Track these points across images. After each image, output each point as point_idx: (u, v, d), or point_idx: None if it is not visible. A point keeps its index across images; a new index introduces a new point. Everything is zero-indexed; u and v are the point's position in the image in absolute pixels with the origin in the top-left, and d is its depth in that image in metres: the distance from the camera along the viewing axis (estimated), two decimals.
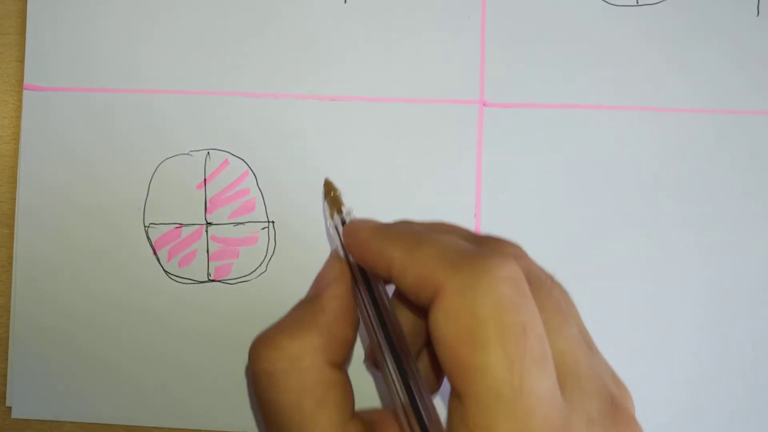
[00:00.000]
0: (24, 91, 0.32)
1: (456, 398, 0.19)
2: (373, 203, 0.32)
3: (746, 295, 0.32)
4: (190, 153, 0.32)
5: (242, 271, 0.32)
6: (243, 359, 0.31)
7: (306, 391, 0.22)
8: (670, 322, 0.32)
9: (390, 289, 0.25)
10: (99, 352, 0.32)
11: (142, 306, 0.32)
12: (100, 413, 0.32)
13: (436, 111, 0.32)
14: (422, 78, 0.32)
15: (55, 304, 0.32)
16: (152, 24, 0.33)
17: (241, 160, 0.32)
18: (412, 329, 0.24)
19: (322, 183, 0.29)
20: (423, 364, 0.25)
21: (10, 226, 0.32)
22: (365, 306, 0.24)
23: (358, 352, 0.30)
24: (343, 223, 0.26)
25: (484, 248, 0.21)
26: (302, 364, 0.22)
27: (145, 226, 0.32)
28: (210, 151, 0.32)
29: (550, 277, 0.22)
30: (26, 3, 0.33)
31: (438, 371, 0.25)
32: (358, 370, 0.30)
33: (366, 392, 0.30)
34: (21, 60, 0.33)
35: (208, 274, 0.32)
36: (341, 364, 0.23)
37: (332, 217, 0.27)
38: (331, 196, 0.28)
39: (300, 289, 0.26)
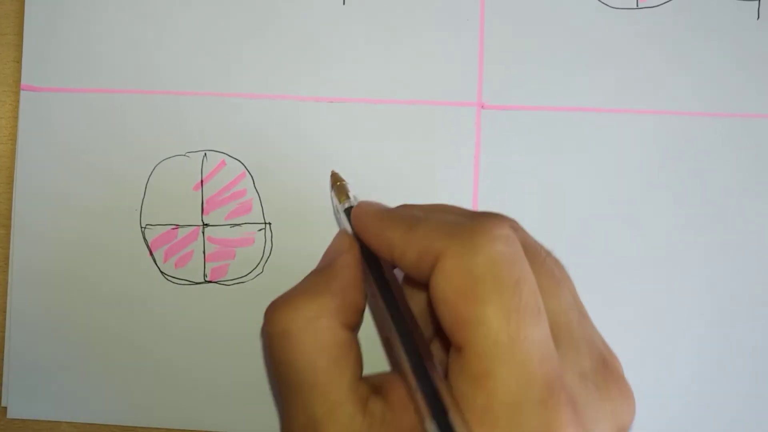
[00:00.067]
0: (21, 91, 0.32)
1: (455, 352, 0.20)
2: None
3: (748, 296, 0.31)
4: (187, 154, 0.32)
5: (239, 272, 0.32)
6: (239, 360, 0.31)
7: (322, 349, 0.22)
8: (670, 325, 0.32)
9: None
10: (95, 353, 0.32)
11: (139, 307, 0.32)
12: (96, 414, 0.32)
13: (434, 113, 0.32)
14: (420, 80, 0.32)
15: (52, 305, 0.32)
16: (150, 25, 0.33)
17: (238, 162, 0.32)
18: (420, 317, 0.25)
19: (329, 175, 0.30)
20: (435, 351, 0.26)
21: (7, 227, 0.32)
22: (373, 280, 0.25)
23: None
24: (350, 208, 0.27)
25: (479, 217, 0.22)
26: (319, 323, 0.23)
27: (141, 227, 0.32)
28: (207, 153, 0.32)
29: (545, 248, 0.24)
30: (24, 3, 0.33)
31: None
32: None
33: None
34: (18, 60, 0.33)
35: (205, 276, 0.32)
36: (353, 328, 0.24)
37: (340, 203, 0.28)
38: (337, 185, 0.29)
39: None
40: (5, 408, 0.32)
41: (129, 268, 0.32)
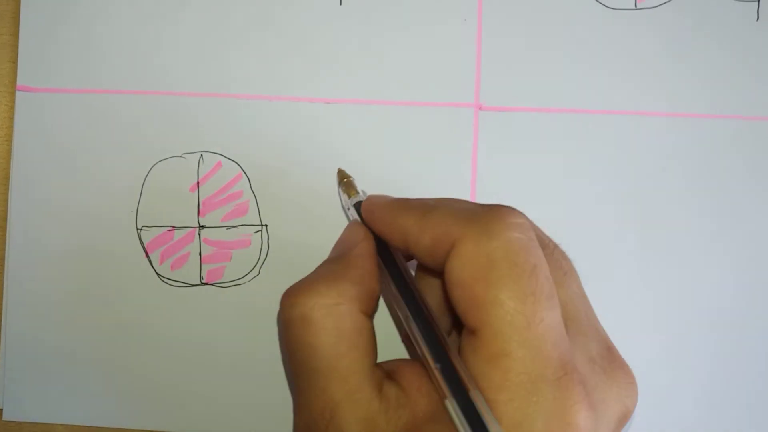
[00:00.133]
0: (17, 92, 0.32)
1: (470, 335, 0.21)
2: None
3: (754, 295, 0.31)
4: (184, 155, 0.32)
5: (235, 274, 0.32)
6: (236, 362, 0.31)
7: (342, 334, 0.23)
8: (670, 327, 0.31)
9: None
10: (91, 355, 0.31)
11: (135, 309, 0.32)
12: (91, 416, 0.31)
13: (431, 114, 0.32)
14: (418, 81, 0.32)
15: (47, 307, 0.32)
16: (146, 26, 0.32)
17: (234, 163, 0.32)
18: (436, 308, 0.25)
19: (336, 173, 0.30)
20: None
21: (3, 228, 0.32)
22: (387, 270, 0.25)
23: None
24: (359, 202, 0.27)
25: (493, 206, 0.23)
26: (339, 309, 0.23)
27: (137, 229, 0.32)
28: (203, 154, 0.32)
29: (552, 241, 0.24)
30: (20, 4, 0.32)
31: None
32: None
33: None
34: (14, 61, 0.33)
35: (201, 278, 0.32)
36: (370, 315, 0.24)
37: (350, 198, 0.28)
38: (345, 182, 0.29)
39: None
40: (1, 410, 0.32)
41: (125, 270, 0.32)
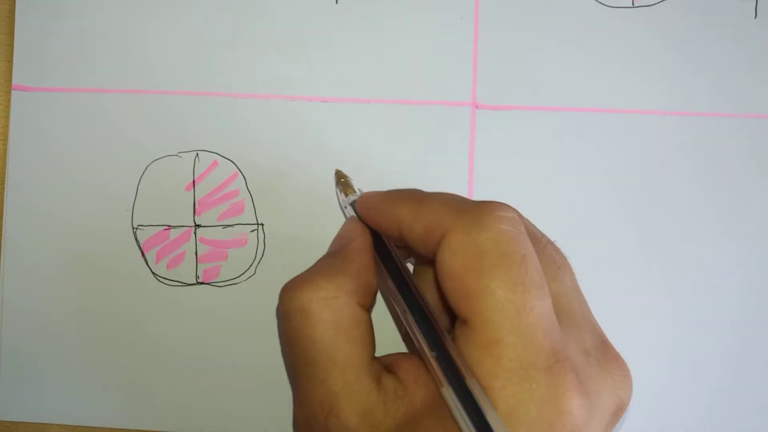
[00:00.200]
0: (12, 91, 0.32)
1: (462, 325, 0.21)
2: None
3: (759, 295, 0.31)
4: (179, 154, 0.32)
5: (231, 273, 0.32)
6: (232, 362, 0.31)
7: (340, 326, 0.23)
8: (670, 327, 0.31)
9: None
10: (86, 355, 0.31)
11: (130, 308, 0.31)
12: (86, 416, 0.31)
13: (427, 113, 0.32)
14: (414, 79, 0.32)
15: (43, 306, 0.31)
16: (142, 25, 0.32)
17: (230, 162, 0.32)
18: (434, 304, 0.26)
19: (333, 174, 0.30)
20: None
21: None
22: (383, 263, 0.25)
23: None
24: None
25: (485, 201, 0.23)
26: (337, 302, 0.23)
27: (133, 228, 0.32)
28: (199, 153, 0.32)
29: (545, 236, 0.25)
30: (15, 3, 0.32)
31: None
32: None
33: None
34: (10, 60, 0.33)
35: (197, 277, 0.32)
36: (368, 308, 0.25)
37: (347, 196, 0.29)
38: (342, 181, 0.29)
39: None
40: None
41: (121, 270, 0.32)
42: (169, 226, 0.32)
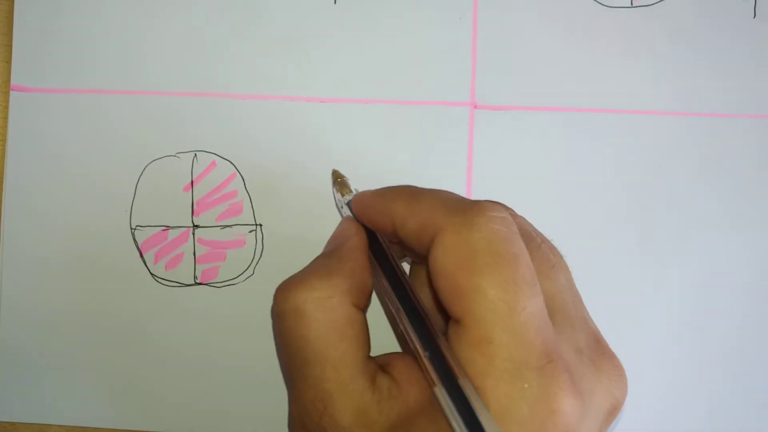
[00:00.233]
0: (11, 92, 0.32)
1: (455, 324, 0.21)
2: None
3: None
4: (177, 155, 0.32)
5: (229, 274, 0.32)
6: (230, 363, 0.31)
7: (334, 326, 0.23)
8: (671, 326, 0.31)
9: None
10: (85, 355, 0.31)
11: (129, 309, 0.31)
12: (86, 416, 0.31)
13: (426, 113, 0.32)
14: (413, 79, 0.32)
15: (41, 307, 0.31)
16: (140, 26, 0.32)
17: (228, 162, 0.32)
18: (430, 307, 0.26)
19: (330, 174, 0.30)
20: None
21: None
22: (378, 263, 0.26)
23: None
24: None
25: (478, 201, 0.23)
26: (331, 302, 0.23)
27: (131, 228, 0.32)
28: (197, 153, 0.32)
29: (541, 235, 0.25)
30: (13, 4, 0.32)
31: None
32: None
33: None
34: (8, 61, 0.33)
35: (195, 277, 0.32)
36: (362, 308, 0.25)
37: (343, 196, 0.29)
38: (339, 181, 0.29)
39: None
40: None
41: (119, 270, 0.32)
42: (167, 226, 0.32)
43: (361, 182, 0.31)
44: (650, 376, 0.31)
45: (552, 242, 0.25)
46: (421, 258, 0.25)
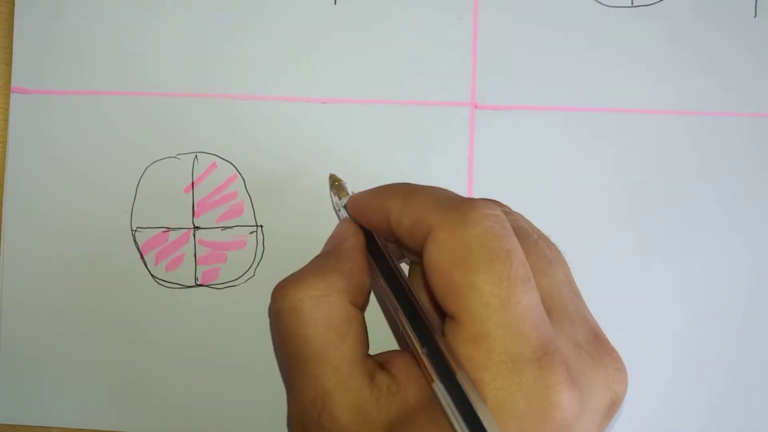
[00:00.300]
0: (11, 94, 0.32)
1: (450, 320, 0.21)
2: None
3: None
4: (178, 156, 0.32)
5: (230, 275, 0.32)
6: (231, 364, 0.31)
7: (332, 324, 0.23)
8: (671, 326, 0.31)
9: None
10: (86, 357, 0.31)
11: (129, 310, 0.31)
12: (86, 419, 0.31)
13: (427, 113, 0.32)
14: (413, 80, 0.32)
15: (42, 309, 0.31)
16: (140, 28, 0.32)
17: (229, 164, 0.32)
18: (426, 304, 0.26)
19: (328, 178, 0.30)
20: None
21: None
22: (375, 262, 0.26)
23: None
24: None
25: (472, 198, 0.23)
26: (329, 300, 0.23)
27: (132, 230, 0.32)
28: (198, 155, 0.32)
29: (537, 231, 0.25)
30: (14, 6, 0.32)
31: None
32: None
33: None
34: (9, 63, 0.33)
35: (196, 279, 0.32)
36: (360, 307, 0.25)
37: (340, 199, 0.29)
38: (336, 185, 0.30)
39: None
40: None
41: (120, 272, 0.32)
42: (168, 228, 0.32)
43: (361, 182, 0.31)
44: (650, 376, 0.31)
45: (550, 239, 0.25)
46: (418, 256, 0.25)
